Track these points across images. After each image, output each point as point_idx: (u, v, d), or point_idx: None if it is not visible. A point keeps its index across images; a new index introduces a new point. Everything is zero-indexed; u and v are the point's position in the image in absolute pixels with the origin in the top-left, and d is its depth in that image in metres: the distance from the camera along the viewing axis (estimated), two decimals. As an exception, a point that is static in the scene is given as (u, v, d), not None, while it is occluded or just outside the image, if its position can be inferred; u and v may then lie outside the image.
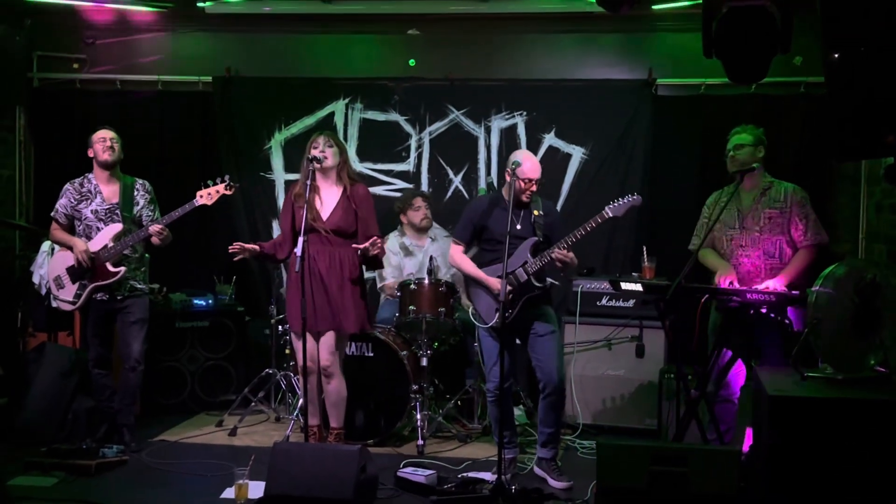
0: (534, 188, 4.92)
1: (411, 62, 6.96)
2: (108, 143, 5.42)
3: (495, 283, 4.83)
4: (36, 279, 6.07)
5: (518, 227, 4.83)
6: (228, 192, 5.30)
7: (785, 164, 5.78)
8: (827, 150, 5.88)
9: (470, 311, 5.14)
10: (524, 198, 4.90)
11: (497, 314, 4.88)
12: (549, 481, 4.94)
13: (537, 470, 5.07)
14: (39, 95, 7.13)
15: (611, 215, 4.79)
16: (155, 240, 5.29)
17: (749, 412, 4.38)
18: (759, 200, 4.89)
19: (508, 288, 4.75)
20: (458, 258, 5.10)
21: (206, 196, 5.24)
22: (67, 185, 5.48)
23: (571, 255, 4.79)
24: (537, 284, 4.88)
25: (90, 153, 5.46)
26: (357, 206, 5.10)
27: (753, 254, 4.86)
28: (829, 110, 3.76)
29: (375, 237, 5.01)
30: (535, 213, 4.95)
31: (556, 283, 6.09)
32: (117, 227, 5.34)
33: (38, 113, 7.15)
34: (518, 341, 5.09)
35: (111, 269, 5.29)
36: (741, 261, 4.89)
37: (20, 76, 6.90)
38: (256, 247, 5.18)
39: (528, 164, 4.88)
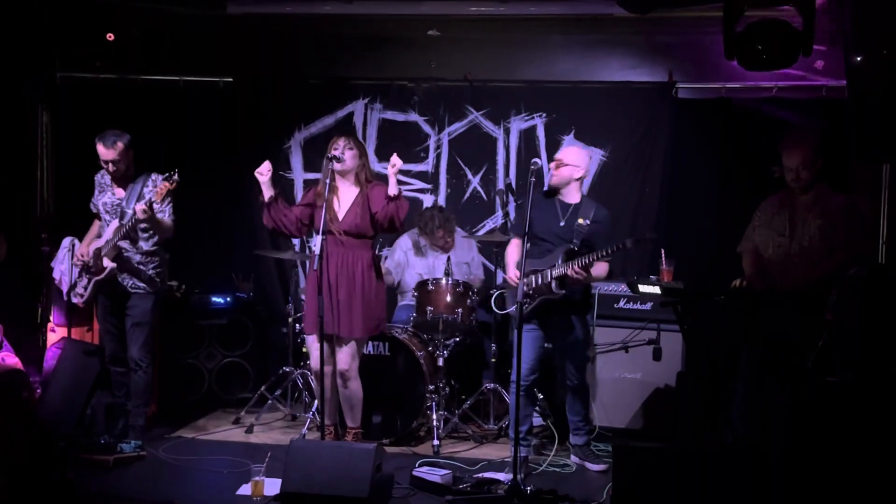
0: (557, 170, 5.09)
1: (431, 63, 6.96)
2: (110, 169, 5.38)
3: (511, 275, 5.10)
4: (56, 275, 6.11)
5: (561, 223, 4.91)
6: (171, 186, 5.17)
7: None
8: (848, 154, 5.85)
9: (494, 296, 5.24)
10: (553, 180, 5.09)
11: (515, 304, 5.01)
12: (587, 465, 5.18)
13: (574, 458, 5.28)
14: (61, 93, 7.18)
15: (629, 246, 4.81)
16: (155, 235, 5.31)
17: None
18: (811, 210, 4.81)
19: (530, 284, 4.97)
20: (508, 251, 5.31)
21: (157, 194, 5.15)
22: (96, 176, 5.54)
23: (584, 274, 4.87)
24: (556, 291, 4.91)
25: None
26: (372, 203, 5.09)
27: (801, 264, 4.77)
28: (851, 113, 3.76)
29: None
30: (580, 220, 5.01)
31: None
32: (117, 222, 5.37)
33: (60, 110, 7.20)
34: (548, 345, 5.27)
35: (104, 263, 5.32)
36: (787, 269, 4.79)
37: (42, 73, 6.96)
38: (273, 192, 5.10)
39: (561, 149, 5.23)
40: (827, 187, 4.84)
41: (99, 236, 5.49)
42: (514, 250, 5.23)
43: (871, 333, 3.92)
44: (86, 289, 5.40)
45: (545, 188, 5.30)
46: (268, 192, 5.10)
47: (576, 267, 4.81)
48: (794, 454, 3.60)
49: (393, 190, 4.96)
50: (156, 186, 5.49)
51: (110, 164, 5.36)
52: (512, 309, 5.07)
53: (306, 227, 5.24)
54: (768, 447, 4.29)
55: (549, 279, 4.91)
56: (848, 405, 3.58)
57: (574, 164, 5.12)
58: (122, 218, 5.35)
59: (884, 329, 3.92)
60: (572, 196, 5.14)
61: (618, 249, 4.78)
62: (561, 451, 5.44)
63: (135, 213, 5.16)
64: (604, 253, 4.79)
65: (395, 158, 4.96)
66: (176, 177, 5.17)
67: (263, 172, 5.06)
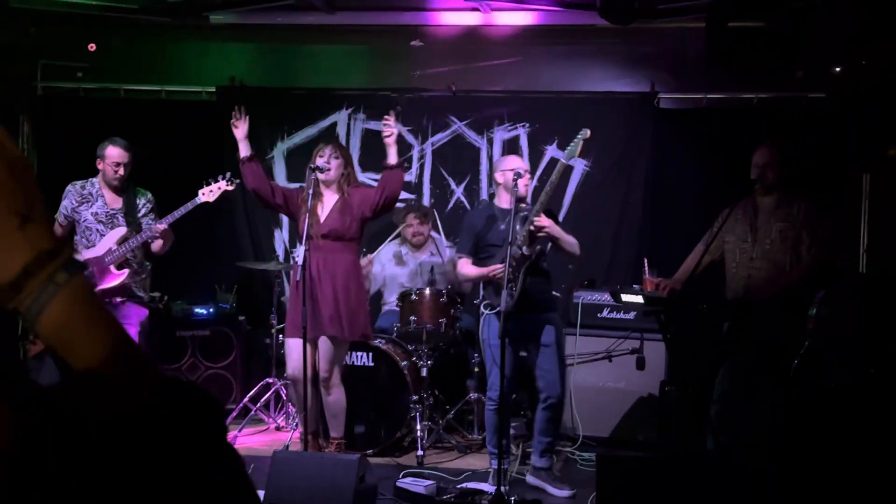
0: (527, 179, 4.99)
1: (414, 73, 6.98)
2: (120, 173, 5.30)
3: (495, 266, 4.85)
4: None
5: (502, 227, 4.85)
6: (230, 188, 5.26)
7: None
8: (828, 164, 5.89)
9: (483, 304, 5.15)
10: (524, 191, 4.97)
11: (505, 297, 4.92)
12: (549, 490, 4.95)
13: (532, 480, 5.07)
14: (43, 104, 7.14)
15: (566, 161, 4.84)
16: (156, 246, 5.27)
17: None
18: (772, 214, 4.85)
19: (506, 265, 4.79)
20: (464, 270, 5.10)
21: (208, 193, 5.21)
22: (69, 187, 5.42)
23: (548, 221, 4.78)
24: (526, 253, 4.79)
25: (99, 165, 5.37)
26: (356, 203, 5.10)
27: (763, 266, 4.80)
28: (833, 122, 3.79)
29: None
30: (522, 205, 4.93)
31: (557, 294, 6.08)
32: (121, 230, 5.31)
33: (42, 121, 7.16)
34: (523, 353, 5.10)
35: (115, 271, 5.26)
36: (751, 273, 4.83)
37: (24, 84, 6.93)
38: (250, 150, 5.16)
39: (513, 159, 5.08)
40: (790, 194, 4.85)
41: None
42: (470, 266, 5.07)
43: (866, 337, 3.95)
44: None
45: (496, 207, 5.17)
46: (244, 149, 5.11)
47: (535, 217, 4.73)
48: (784, 458, 3.61)
49: (392, 159, 5.02)
50: (149, 202, 5.43)
51: (121, 168, 5.31)
52: (504, 304, 4.96)
53: (282, 206, 5.24)
54: (757, 452, 4.30)
55: (518, 252, 4.75)
56: (840, 409, 3.60)
57: None
58: (134, 228, 5.30)
59: (878, 333, 3.94)
60: (505, 202, 5.00)
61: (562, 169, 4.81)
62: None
63: (152, 230, 5.15)
64: (556, 178, 4.75)
65: (391, 124, 4.99)
66: (236, 180, 5.28)
67: (238, 126, 5.05)
